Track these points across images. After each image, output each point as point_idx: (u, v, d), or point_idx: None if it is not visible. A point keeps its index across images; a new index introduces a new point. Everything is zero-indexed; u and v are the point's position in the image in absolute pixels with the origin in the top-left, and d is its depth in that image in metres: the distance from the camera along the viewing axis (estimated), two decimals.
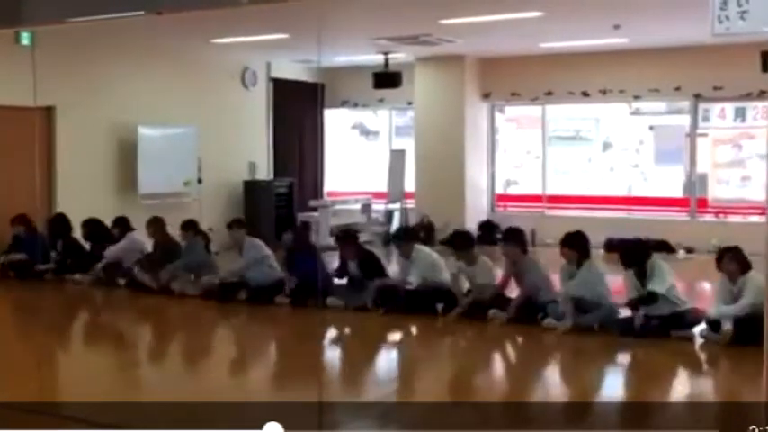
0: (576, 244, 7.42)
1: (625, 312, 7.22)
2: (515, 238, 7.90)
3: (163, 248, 9.44)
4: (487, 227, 12.94)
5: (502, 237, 7.99)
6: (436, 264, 8.20)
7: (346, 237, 8.81)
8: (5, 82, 10.08)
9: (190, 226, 9.41)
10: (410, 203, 13.82)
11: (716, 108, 12.53)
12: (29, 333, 8.02)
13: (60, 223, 10.18)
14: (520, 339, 7.38)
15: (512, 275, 7.84)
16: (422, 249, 8.34)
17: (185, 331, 8.24)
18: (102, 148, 11.38)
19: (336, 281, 8.67)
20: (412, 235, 8.98)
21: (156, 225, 9.57)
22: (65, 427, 4.94)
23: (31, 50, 10.01)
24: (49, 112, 10.76)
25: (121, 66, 11.54)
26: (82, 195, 10.56)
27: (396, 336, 7.76)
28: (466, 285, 8.00)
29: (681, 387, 6.17)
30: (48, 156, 10.84)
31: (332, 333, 7.71)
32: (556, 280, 7.67)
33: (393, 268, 8.90)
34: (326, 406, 4.96)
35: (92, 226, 9.99)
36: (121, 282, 9.55)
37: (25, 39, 10.15)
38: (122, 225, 9.83)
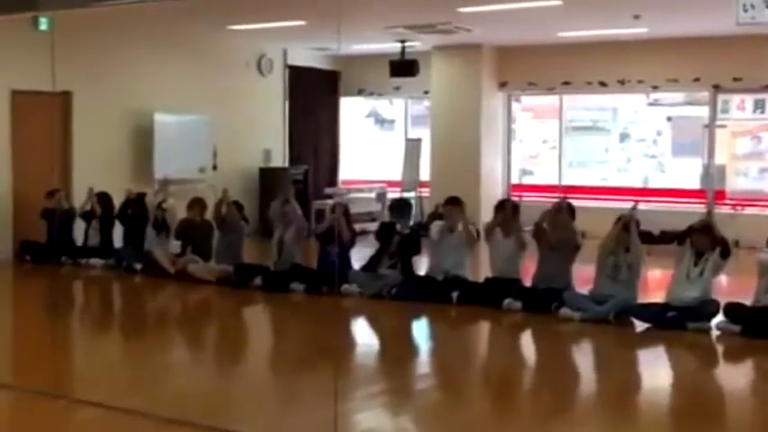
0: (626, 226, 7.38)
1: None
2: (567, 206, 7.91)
3: (200, 229, 9.47)
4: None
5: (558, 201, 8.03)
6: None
7: (402, 204, 9.05)
8: (24, 67, 10.09)
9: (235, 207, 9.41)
10: (425, 192, 13.79)
11: (735, 99, 12.41)
12: (58, 319, 8.01)
13: (104, 201, 10.26)
14: (535, 330, 7.35)
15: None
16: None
17: (206, 319, 8.25)
18: (118, 134, 11.40)
19: (354, 268, 8.67)
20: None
21: (199, 205, 9.60)
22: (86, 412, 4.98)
23: (49, 36, 10.03)
24: (66, 97, 10.79)
25: (139, 52, 11.56)
26: (98, 179, 10.57)
27: (411, 325, 7.76)
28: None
29: (697, 379, 6.14)
30: (65, 140, 10.87)
31: (349, 320, 7.72)
32: None
33: None
34: (341, 394, 4.95)
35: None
36: (138, 266, 9.59)
37: (43, 24, 10.16)
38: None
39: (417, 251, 8.53)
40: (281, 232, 8.96)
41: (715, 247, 7.06)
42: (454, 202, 8.45)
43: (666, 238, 10.66)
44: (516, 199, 9.34)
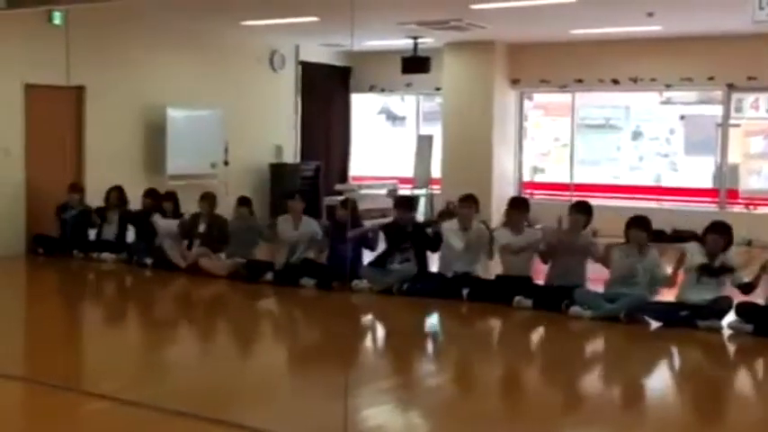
0: (647, 226, 7.36)
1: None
2: (584, 207, 7.84)
3: (211, 225, 9.43)
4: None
5: (573, 205, 7.96)
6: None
7: (407, 200, 9.06)
8: (38, 61, 10.14)
9: (246, 202, 9.39)
10: (436, 189, 13.78)
11: (749, 98, 12.35)
12: (69, 312, 8.06)
13: (119, 195, 10.28)
14: (544, 327, 7.33)
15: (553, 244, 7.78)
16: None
17: (216, 312, 8.25)
18: (130, 129, 11.43)
19: (364, 264, 8.66)
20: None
21: (208, 200, 9.56)
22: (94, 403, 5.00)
23: (63, 30, 10.07)
24: (79, 91, 10.82)
25: (151, 48, 11.58)
26: (110, 174, 10.62)
27: (421, 320, 7.75)
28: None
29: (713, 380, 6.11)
30: (78, 135, 10.91)
31: (359, 315, 7.73)
32: None
33: None
34: (352, 389, 4.96)
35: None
36: (148, 261, 9.62)
37: (57, 18, 10.21)
38: (174, 199, 9.92)
39: (436, 248, 8.37)
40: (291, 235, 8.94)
41: (727, 247, 7.03)
42: (470, 200, 8.32)
43: (679, 236, 10.65)
44: (527, 196, 9.28)
